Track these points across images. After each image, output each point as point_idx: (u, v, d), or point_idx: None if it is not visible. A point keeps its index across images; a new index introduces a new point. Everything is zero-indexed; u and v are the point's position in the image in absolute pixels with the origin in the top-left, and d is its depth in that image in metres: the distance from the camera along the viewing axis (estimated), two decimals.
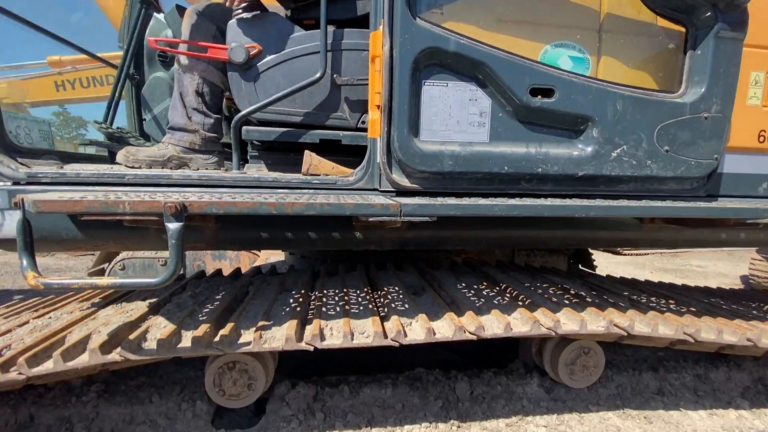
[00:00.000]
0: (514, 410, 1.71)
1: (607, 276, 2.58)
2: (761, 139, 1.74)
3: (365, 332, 1.29)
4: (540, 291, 1.80)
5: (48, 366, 1.13)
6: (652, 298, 1.92)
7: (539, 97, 1.40)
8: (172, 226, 0.99)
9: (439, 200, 1.25)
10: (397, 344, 1.27)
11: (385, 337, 1.27)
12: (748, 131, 1.72)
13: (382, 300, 1.65)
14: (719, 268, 8.66)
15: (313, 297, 1.69)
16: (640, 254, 10.17)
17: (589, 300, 1.69)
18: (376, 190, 1.46)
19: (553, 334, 1.33)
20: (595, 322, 1.41)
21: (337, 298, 1.64)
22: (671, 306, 1.84)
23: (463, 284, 1.84)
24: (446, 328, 1.34)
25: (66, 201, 0.97)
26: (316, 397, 1.72)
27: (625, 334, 1.38)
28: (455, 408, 1.72)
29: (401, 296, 1.67)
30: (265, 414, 1.64)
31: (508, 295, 1.72)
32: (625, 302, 1.75)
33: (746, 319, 1.74)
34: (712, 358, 2.07)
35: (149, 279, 1.02)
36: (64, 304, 1.79)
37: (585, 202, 1.33)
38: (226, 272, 2.23)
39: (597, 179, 1.47)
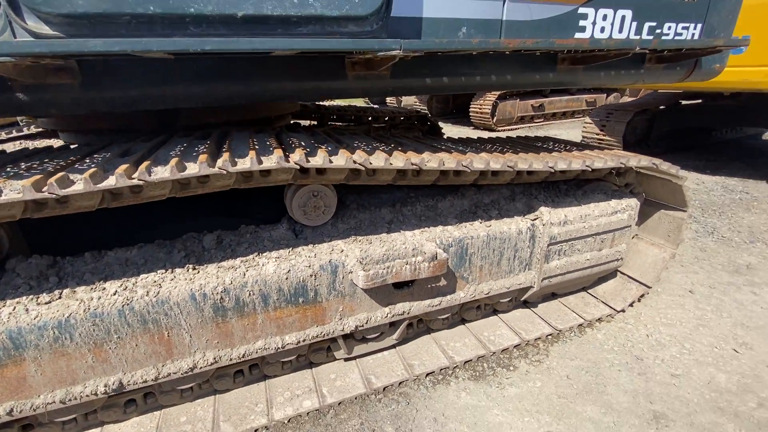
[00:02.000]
0: (254, 250, 1.98)
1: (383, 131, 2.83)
2: None
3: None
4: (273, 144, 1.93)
5: None
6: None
7: None
8: None
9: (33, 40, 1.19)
10: None
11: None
12: None
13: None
14: (570, 135, 9.95)
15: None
16: (513, 128, 11.18)
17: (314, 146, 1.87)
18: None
19: (224, 172, 1.49)
20: (270, 161, 1.59)
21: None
22: (399, 148, 2.12)
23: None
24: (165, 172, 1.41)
25: None
26: (53, 264, 1.80)
27: (298, 167, 1.59)
28: (196, 255, 1.93)
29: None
30: None
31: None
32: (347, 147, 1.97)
33: (462, 154, 2.10)
34: (445, 192, 2.51)
35: None
36: None
37: (218, 39, 1.36)
38: None
39: (267, 20, 1.49)
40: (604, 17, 2.27)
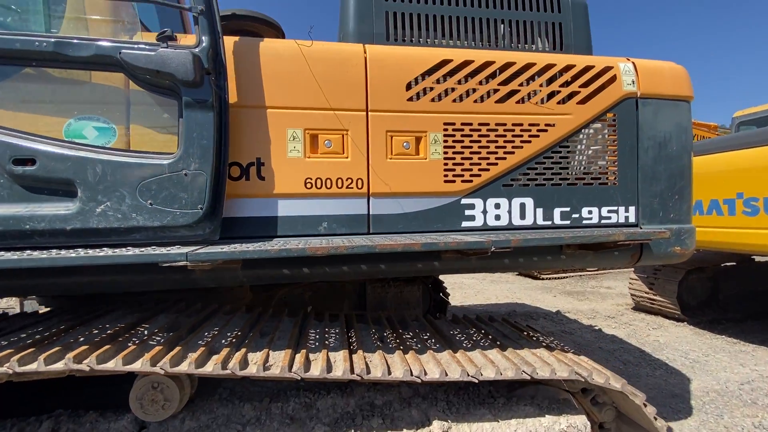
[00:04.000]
0: None
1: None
2: (308, 185, 1.99)
3: None
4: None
5: None
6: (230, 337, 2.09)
7: (27, 165, 1.64)
8: None
9: None
10: None
11: None
12: (294, 180, 1.97)
13: None
14: (622, 289, 8.78)
15: None
16: (562, 277, 10.29)
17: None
18: None
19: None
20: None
21: None
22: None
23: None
24: None
25: None
26: None
27: (87, 369, 1.55)
28: None
29: None
30: None
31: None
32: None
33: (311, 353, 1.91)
34: (329, 387, 2.20)
35: None
36: None
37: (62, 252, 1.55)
38: None
39: (98, 231, 1.69)
40: (497, 206, 2.17)
